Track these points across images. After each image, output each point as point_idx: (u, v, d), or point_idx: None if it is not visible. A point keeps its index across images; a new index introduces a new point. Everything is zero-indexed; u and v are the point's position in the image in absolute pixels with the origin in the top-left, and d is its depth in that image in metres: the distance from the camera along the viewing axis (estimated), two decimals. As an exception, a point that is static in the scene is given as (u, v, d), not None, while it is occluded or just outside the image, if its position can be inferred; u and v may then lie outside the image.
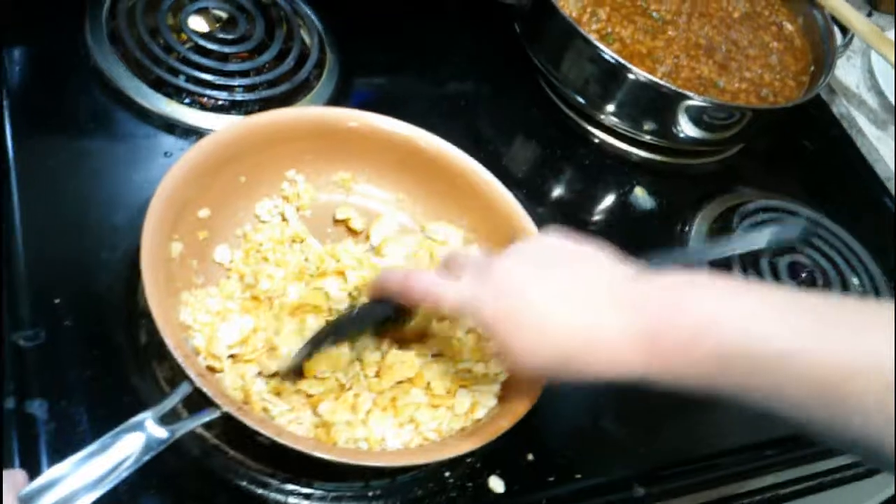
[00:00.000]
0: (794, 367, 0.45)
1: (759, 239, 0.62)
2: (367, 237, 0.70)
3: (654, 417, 0.72)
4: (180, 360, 0.52)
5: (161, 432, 0.50)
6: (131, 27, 0.78)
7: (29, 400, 0.56)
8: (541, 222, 0.70)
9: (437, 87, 0.93)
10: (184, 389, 0.53)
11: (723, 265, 0.80)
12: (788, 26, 1.02)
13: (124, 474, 0.48)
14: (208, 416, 0.52)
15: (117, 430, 0.49)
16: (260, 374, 0.60)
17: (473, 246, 0.71)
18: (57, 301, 0.61)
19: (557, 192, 0.90)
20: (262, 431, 0.52)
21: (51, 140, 0.71)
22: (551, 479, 0.65)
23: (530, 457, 0.66)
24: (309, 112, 0.72)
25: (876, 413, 0.43)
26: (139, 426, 0.50)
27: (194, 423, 0.52)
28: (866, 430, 0.44)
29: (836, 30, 1.02)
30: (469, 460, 0.64)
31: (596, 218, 0.90)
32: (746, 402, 0.48)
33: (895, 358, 0.43)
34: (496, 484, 0.63)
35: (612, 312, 0.50)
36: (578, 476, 0.66)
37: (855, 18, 1.00)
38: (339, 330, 0.61)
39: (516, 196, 0.71)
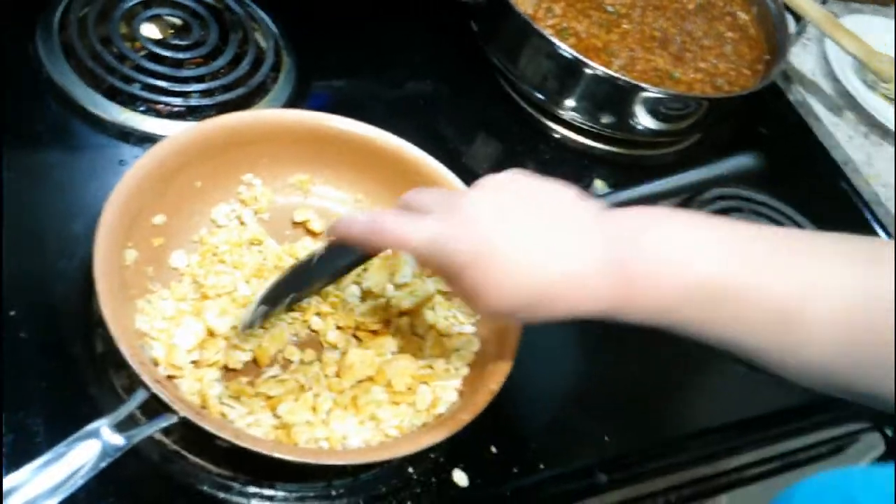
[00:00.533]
0: (749, 298, 0.47)
1: (715, 169, 0.62)
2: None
3: (616, 406, 0.73)
4: (135, 366, 0.52)
5: (117, 439, 0.50)
6: (83, 37, 0.78)
7: (-16, 414, 0.56)
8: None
9: (395, 88, 0.94)
10: (140, 396, 0.53)
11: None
12: (743, 16, 1.04)
13: (81, 481, 0.48)
14: (165, 421, 0.52)
15: (72, 438, 0.49)
16: (219, 378, 0.60)
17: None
18: (12, 313, 0.61)
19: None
20: (221, 435, 0.53)
21: (6, 153, 0.70)
22: (515, 470, 0.66)
23: (493, 450, 0.66)
24: (263, 115, 0.72)
25: (829, 344, 0.45)
26: (95, 433, 0.50)
27: (151, 430, 0.52)
28: (819, 359, 0.45)
29: (790, 18, 1.04)
30: (432, 455, 0.64)
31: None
32: (705, 335, 0.49)
33: (846, 289, 0.45)
34: (460, 478, 0.64)
35: (581, 248, 0.49)
36: (542, 466, 0.67)
37: (808, 5, 1.02)
38: (299, 281, 0.59)
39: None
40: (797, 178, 1.03)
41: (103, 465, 0.49)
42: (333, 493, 0.60)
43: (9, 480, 0.46)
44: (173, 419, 0.52)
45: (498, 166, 0.90)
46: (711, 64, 0.96)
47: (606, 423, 0.72)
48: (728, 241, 0.49)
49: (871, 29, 1.14)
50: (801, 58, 1.15)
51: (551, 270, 0.50)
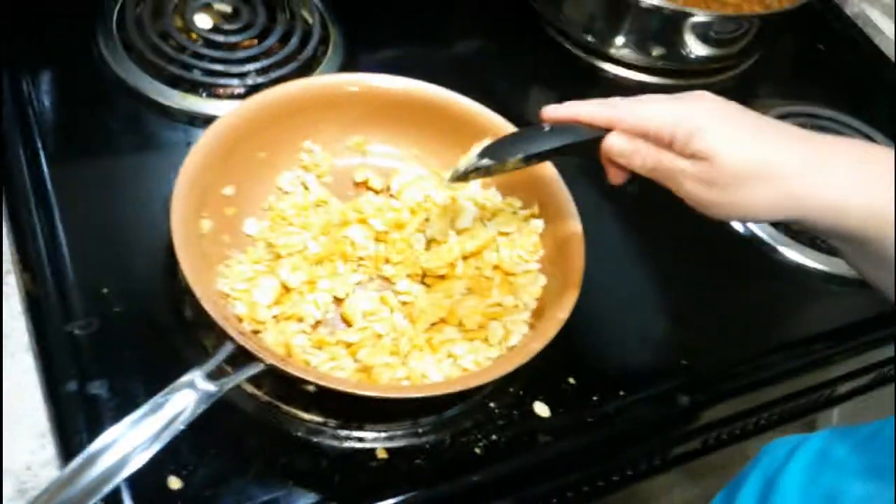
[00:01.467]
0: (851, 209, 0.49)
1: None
2: (388, 189, 0.73)
3: (690, 328, 0.73)
4: (220, 321, 0.56)
5: (210, 387, 0.53)
6: (141, 33, 0.81)
7: (89, 382, 0.60)
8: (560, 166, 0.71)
9: (443, 49, 0.95)
10: (228, 348, 0.56)
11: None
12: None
13: (181, 427, 0.51)
14: (254, 369, 0.55)
15: (168, 389, 0.53)
16: (301, 331, 0.62)
17: (492, 189, 0.73)
18: (105, 291, 0.65)
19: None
20: (306, 377, 0.55)
21: (82, 149, 0.75)
22: (595, 398, 0.67)
23: (571, 381, 0.67)
24: (313, 82, 0.75)
25: None
26: (189, 384, 0.53)
27: (242, 377, 0.55)
28: None
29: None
30: (511, 389, 0.66)
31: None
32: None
33: None
34: (541, 409, 0.65)
35: (784, 146, 0.51)
36: (622, 393, 0.67)
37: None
38: (527, 143, 0.59)
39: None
40: (862, 92, 1.00)
41: (199, 411, 0.52)
42: (420, 430, 0.62)
43: (109, 434, 0.50)
44: (260, 367, 0.55)
45: (554, 113, 0.92)
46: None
47: (681, 346, 0.72)
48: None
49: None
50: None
51: (757, 151, 0.51)
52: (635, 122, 0.55)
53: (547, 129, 0.59)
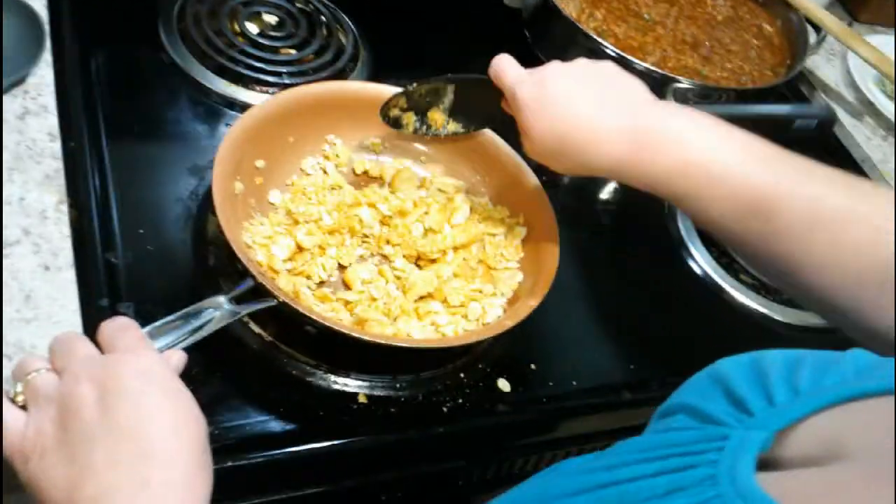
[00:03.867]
0: (733, 184, 0.58)
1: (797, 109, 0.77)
2: (382, 179, 0.84)
3: (639, 340, 0.84)
4: (244, 259, 0.66)
5: (233, 308, 0.63)
6: (198, 27, 0.93)
7: (119, 302, 0.69)
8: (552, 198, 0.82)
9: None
10: (248, 283, 0.65)
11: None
12: (767, 27, 1.16)
13: (204, 334, 0.60)
14: (269, 302, 0.65)
15: (197, 305, 0.62)
16: (308, 286, 0.72)
17: (485, 198, 0.84)
18: (141, 231, 0.75)
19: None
20: (312, 316, 0.65)
21: (136, 116, 0.85)
22: (551, 383, 0.77)
23: (533, 366, 0.77)
24: (345, 85, 0.87)
25: (797, 240, 0.55)
26: (215, 302, 0.63)
27: (260, 306, 0.64)
28: (788, 251, 0.56)
29: (811, 30, 1.15)
30: (481, 366, 0.75)
31: (603, 196, 1.02)
32: (697, 212, 0.62)
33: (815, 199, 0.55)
34: (504, 385, 0.75)
35: (614, 117, 0.63)
36: (574, 383, 0.77)
37: (827, 18, 1.13)
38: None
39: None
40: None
41: (222, 324, 0.62)
42: (398, 385, 0.72)
43: (145, 329, 0.59)
44: (274, 302, 0.65)
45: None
46: (737, 65, 1.07)
47: (631, 353, 0.82)
48: (731, 139, 0.61)
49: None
50: (826, 70, 1.26)
51: (580, 127, 0.63)
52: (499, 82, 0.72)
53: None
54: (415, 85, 0.79)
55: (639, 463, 0.47)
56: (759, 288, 0.94)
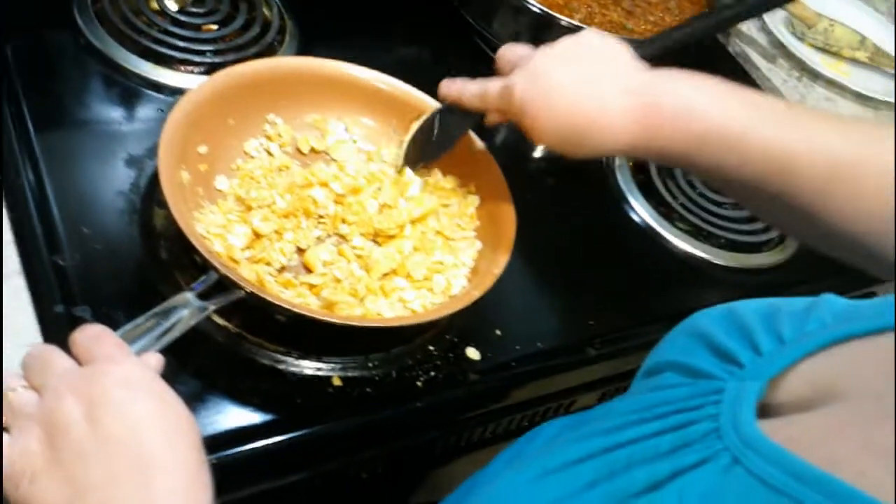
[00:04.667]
0: (752, 146, 0.58)
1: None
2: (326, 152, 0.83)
3: (598, 296, 0.86)
4: (205, 253, 0.63)
5: (201, 304, 0.61)
6: (114, 7, 0.88)
7: (74, 306, 0.66)
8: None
9: (385, 52, 1.05)
10: (211, 277, 0.63)
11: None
12: (684, -22, 1.18)
13: (176, 335, 0.58)
14: (236, 295, 0.63)
15: (165, 304, 0.60)
16: (270, 273, 0.71)
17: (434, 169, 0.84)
18: (86, 230, 0.71)
19: (502, 134, 1.03)
20: (280, 304, 0.64)
21: (62, 108, 0.81)
22: (517, 347, 0.78)
23: (498, 332, 0.78)
24: (280, 62, 0.84)
25: (819, 192, 0.56)
26: (183, 300, 0.60)
27: (228, 299, 0.63)
28: (809, 203, 0.57)
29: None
30: (448, 336, 0.76)
31: (535, 155, 1.03)
32: (721, 177, 0.62)
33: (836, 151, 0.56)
34: (473, 353, 0.75)
35: (617, 97, 0.62)
36: (539, 344, 0.79)
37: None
38: (426, 153, 0.80)
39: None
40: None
41: (193, 322, 0.60)
42: (370, 364, 0.72)
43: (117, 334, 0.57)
44: (242, 293, 0.63)
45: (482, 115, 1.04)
46: (658, 17, 1.09)
47: (589, 310, 0.84)
48: (739, 100, 0.60)
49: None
50: (737, 15, 1.29)
51: (587, 114, 0.63)
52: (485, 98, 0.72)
53: (435, 135, 0.79)
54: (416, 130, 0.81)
55: (637, 424, 0.48)
56: (696, 234, 0.97)
